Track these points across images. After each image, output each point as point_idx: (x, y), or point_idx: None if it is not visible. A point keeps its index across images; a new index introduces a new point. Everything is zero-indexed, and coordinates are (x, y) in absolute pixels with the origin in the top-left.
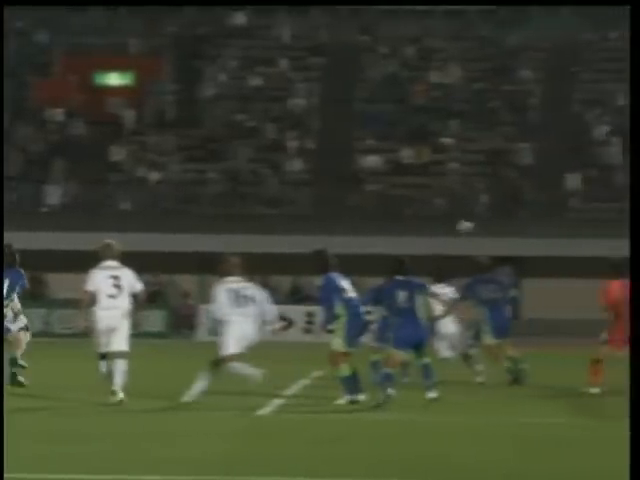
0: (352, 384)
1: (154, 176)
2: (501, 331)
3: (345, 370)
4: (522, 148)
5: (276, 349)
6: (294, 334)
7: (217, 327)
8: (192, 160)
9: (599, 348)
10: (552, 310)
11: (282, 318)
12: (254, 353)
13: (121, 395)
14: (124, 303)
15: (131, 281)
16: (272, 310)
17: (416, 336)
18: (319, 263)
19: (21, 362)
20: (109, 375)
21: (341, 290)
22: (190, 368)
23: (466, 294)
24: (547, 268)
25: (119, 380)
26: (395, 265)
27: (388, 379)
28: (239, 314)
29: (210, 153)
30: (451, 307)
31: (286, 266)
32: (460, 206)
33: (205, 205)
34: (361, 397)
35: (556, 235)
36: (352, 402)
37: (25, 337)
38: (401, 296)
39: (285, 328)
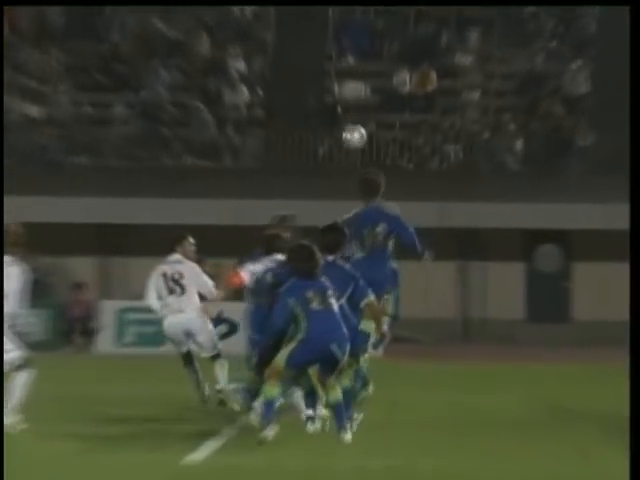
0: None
1: (32, 112)
2: None
3: None
4: (574, 71)
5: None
6: None
7: None
8: (89, 89)
9: None
10: (607, 310)
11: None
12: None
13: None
14: None
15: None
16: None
17: None
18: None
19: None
20: None
21: None
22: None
23: None
24: (605, 248)
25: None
26: None
27: None
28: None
29: (117, 78)
30: None
31: None
32: (482, 157)
33: (109, 155)
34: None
35: (622, 199)
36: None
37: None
38: None
39: None
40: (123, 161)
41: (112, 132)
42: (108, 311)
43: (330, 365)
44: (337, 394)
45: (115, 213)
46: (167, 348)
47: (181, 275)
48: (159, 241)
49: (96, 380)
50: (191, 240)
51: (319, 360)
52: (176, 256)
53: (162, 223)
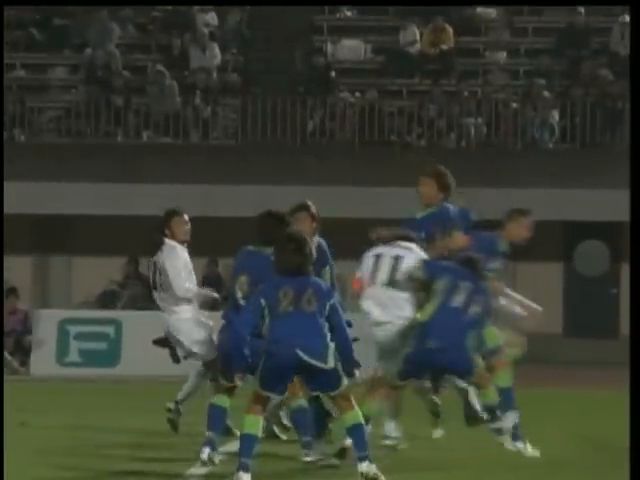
0: None
1: None
2: None
3: None
4: (624, 25)
5: None
6: None
7: None
8: (21, 48)
9: None
10: None
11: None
12: None
13: None
14: None
15: None
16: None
17: None
18: None
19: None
20: None
21: None
22: None
23: None
24: None
25: None
26: None
27: None
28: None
29: (56, 34)
30: None
31: None
32: (510, 132)
33: (47, 130)
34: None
35: None
36: None
37: None
38: None
39: None
40: (65, 137)
41: (51, 101)
42: (47, 323)
43: (316, 378)
44: (355, 415)
45: (55, 201)
46: (121, 369)
47: (158, 267)
48: (110, 236)
49: (31, 409)
50: (185, 218)
51: (290, 373)
52: (164, 242)
53: (113, 214)
